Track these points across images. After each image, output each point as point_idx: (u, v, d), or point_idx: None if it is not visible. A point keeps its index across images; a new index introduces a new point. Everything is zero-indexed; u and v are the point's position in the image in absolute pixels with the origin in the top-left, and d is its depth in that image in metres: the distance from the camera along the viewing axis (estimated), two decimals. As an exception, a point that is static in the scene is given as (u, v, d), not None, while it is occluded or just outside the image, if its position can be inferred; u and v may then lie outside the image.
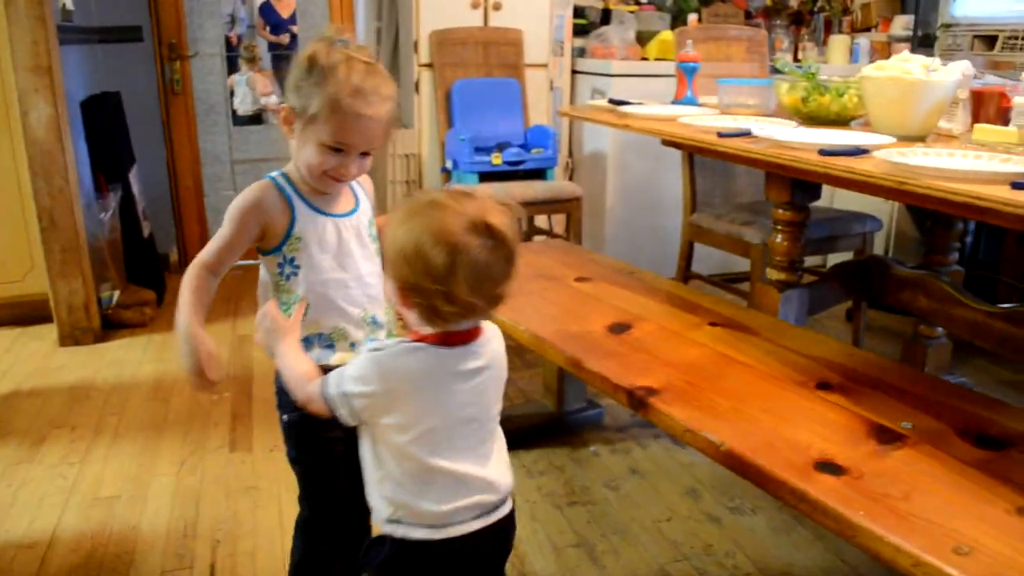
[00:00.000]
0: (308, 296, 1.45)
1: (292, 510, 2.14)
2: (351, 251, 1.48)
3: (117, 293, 3.52)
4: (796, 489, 1.25)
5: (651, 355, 1.74)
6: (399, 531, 1.22)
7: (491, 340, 1.26)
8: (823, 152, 1.76)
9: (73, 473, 2.37)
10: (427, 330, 1.19)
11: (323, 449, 1.52)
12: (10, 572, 1.95)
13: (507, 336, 2.19)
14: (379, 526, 1.26)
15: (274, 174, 1.47)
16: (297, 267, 1.44)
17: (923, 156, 1.71)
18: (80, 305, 3.29)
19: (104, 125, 3.62)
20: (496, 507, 1.26)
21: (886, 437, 1.41)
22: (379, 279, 1.50)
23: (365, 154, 1.42)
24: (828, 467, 1.30)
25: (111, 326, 3.49)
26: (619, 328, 1.90)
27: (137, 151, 4.06)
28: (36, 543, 2.06)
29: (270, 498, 2.24)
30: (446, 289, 1.11)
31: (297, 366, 1.32)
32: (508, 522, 1.30)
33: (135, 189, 3.84)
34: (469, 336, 1.22)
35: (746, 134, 2.02)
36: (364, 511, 1.62)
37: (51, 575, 1.94)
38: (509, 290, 1.19)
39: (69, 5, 3.35)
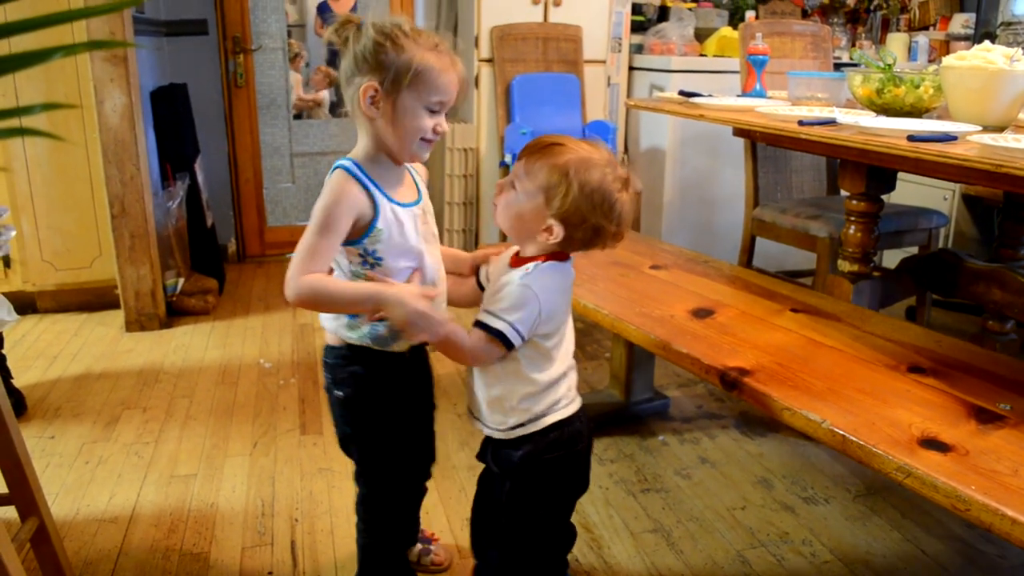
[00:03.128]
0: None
1: (368, 491, 2.19)
2: (422, 239, 1.50)
3: (181, 281, 3.59)
4: (903, 465, 1.25)
5: (737, 338, 1.75)
6: (528, 430, 1.46)
7: None
8: (912, 138, 1.75)
9: (148, 452, 2.42)
10: (539, 251, 1.44)
11: (381, 423, 1.55)
12: (94, 544, 1.99)
13: (588, 320, 2.20)
14: (499, 436, 1.48)
15: (346, 164, 1.44)
16: (380, 258, 1.44)
17: (1015, 141, 1.70)
18: (147, 292, 3.35)
19: (172, 116, 3.69)
20: None
21: (985, 417, 1.41)
22: (441, 263, 1.56)
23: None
24: (933, 444, 1.30)
25: (175, 313, 3.55)
26: (702, 313, 1.90)
27: (200, 143, 4.13)
28: (118, 517, 2.10)
29: (345, 479, 2.27)
30: (615, 227, 1.40)
31: (462, 333, 1.42)
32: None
33: (200, 179, 3.90)
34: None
35: (830, 122, 2.02)
36: (420, 476, 1.70)
37: (135, 548, 1.98)
38: None
39: (141, -4, 3.42)
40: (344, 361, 1.51)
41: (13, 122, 0.76)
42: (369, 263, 1.45)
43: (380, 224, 1.43)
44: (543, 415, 1.45)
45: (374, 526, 1.64)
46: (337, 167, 1.45)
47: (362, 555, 1.68)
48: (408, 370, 1.56)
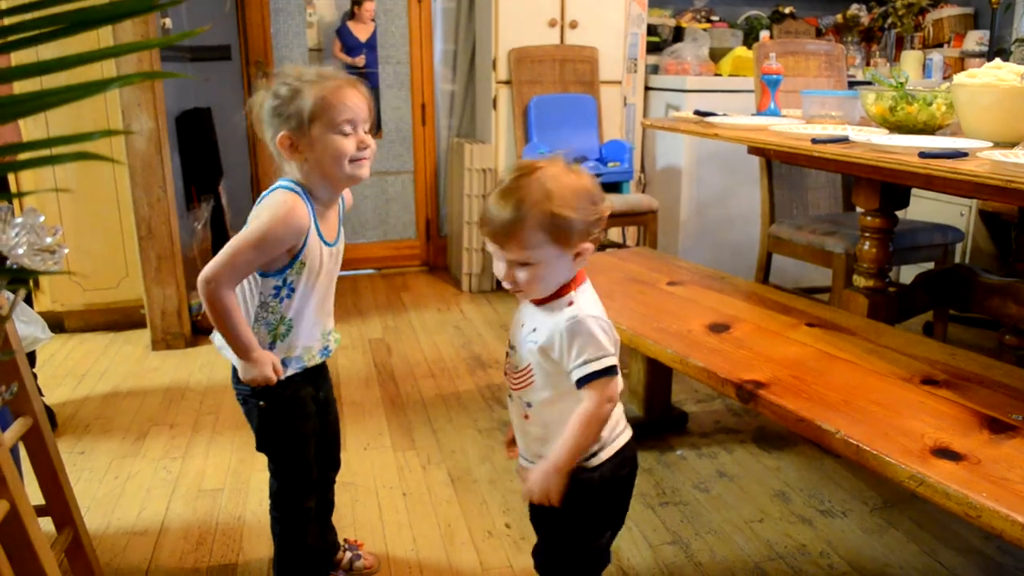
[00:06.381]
0: (293, 319, 1.57)
1: (391, 505, 2.23)
2: (331, 277, 1.62)
3: (206, 300, 3.65)
4: (916, 473, 1.28)
5: (753, 352, 1.78)
6: (600, 457, 1.41)
7: None
8: (923, 155, 1.79)
9: (176, 467, 2.47)
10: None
11: (296, 425, 1.67)
12: (125, 557, 2.04)
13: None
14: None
15: (294, 186, 1.52)
16: (293, 291, 1.54)
17: (1025, 158, 1.73)
18: (173, 311, 3.42)
19: (197, 139, 3.77)
20: None
21: (998, 427, 1.43)
22: (332, 295, 1.67)
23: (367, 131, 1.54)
24: (945, 453, 1.33)
25: (200, 332, 3.61)
26: (718, 328, 1.94)
27: (224, 165, 4.21)
28: (147, 531, 2.15)
29: (368, 493, 2.31)
30: (602, 215, 1.36)
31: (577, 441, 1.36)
32: None
33: (224, 201, 3.98)
34: None
35: (843, 140, 2.06)
36: (327, 467, 1.84)
37: (164, 560, 2.02)
38: None
39: (168, 25, 3.51)
40: None
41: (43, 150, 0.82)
42: (281, 296, 1.54)
43: (303, 258, 1.52)
44: (605, 448, 1.41)
45: (288, 516, 1.74)
46: (282, 187, 1.52)
47: (278, 543, 1.77)
48: (314, 377, 1.70)
